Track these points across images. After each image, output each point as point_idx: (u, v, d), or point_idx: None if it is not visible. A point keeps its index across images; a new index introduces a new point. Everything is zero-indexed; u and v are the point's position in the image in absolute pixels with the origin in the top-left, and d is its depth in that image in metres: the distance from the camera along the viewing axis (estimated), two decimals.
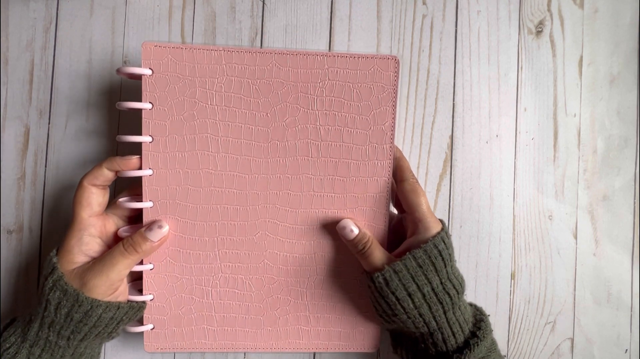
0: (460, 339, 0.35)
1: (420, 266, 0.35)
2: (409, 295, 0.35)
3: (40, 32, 0.42)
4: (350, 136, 0.37)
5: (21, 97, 0.42)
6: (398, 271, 0.35)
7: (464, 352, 0.35)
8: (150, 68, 0.36)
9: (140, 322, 0.39)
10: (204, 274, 0.38)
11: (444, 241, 0.36)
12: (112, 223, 0.38)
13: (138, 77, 0.37)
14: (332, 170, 0.38)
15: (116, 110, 0.42)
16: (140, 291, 0.38)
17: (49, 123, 0.42)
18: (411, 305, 0.35)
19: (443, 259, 0.35)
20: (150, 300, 0.38)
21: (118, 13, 0.43)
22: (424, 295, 0.35)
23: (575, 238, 0.45)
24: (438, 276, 0.35)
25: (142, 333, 0.39)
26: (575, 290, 0.44)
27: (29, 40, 0.42)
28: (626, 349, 0.44)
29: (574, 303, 0.44)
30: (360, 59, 0.37)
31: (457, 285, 0.36)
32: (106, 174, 0.36)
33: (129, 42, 0.43)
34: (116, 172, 0.36)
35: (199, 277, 0.38)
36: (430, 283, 0.35)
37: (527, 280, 0.44)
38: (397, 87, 0.37)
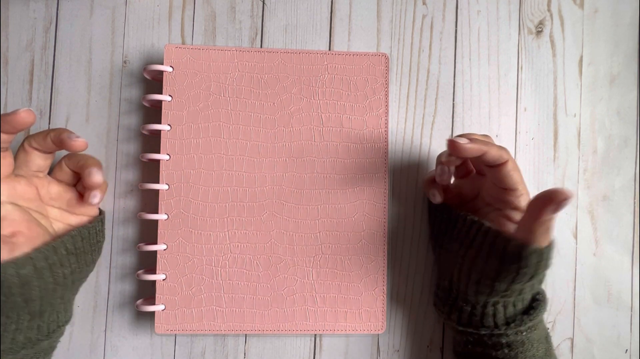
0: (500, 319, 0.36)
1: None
2: None
3: (40, 32, 0.42)
4: (349, 122, 0.41)
5: (21, 97, 0.42)
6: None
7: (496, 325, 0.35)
8: (171, 66, 0.40)
9: (152, 303, 0.39)
10: (214, 254, 0.40)
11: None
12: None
13: (156, 75, 0.41)
14: (333, 152, 0.41)
15: (116, 109, 0.42)
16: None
17: (49, 123, 0.42)
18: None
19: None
20: (163, 280, 0.39)
21: (118, 13, 0.43)
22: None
23: (575, 238, 0.45)
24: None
25: (149, 319, 0.40)
26: (575, 289, 0.44)
27: (29, 40, 0.42)
28: (626, 349, 0.44)
29: (574, 303, 0.44)
30: (355, 56, 0.41)
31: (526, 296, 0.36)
32: (50, 146, 0.35)
33: (129, 42, 0.43)
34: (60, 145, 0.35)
35: (209, 257, 0.40)
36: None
37: None
38: (388, 78, 0.41)
